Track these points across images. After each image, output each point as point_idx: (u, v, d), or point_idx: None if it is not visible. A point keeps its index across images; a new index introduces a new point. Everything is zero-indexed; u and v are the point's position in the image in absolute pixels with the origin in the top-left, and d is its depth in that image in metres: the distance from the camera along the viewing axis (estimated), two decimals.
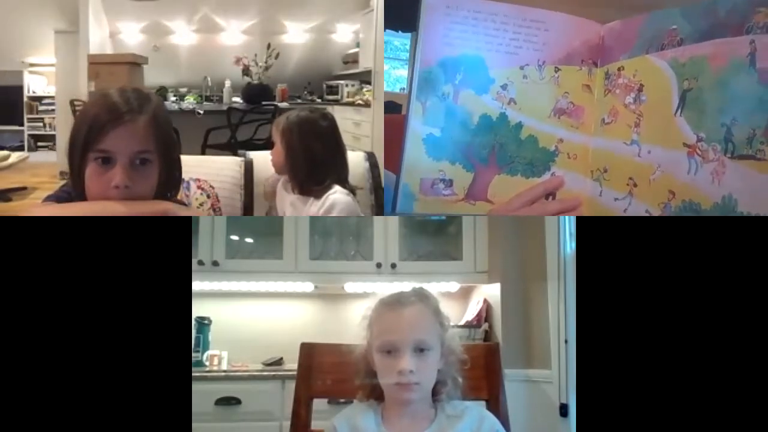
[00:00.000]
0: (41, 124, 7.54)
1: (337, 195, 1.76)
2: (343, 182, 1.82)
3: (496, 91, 1.25)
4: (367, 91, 5.40)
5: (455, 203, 1.26)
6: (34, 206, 1.22)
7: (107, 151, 1.09)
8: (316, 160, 1.80)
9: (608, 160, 1.23)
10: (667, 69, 1.15)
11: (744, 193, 1.02)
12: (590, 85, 1.27)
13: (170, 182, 1.19)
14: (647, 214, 1.15)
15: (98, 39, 5.93)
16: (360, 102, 5.42)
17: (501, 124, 1.25)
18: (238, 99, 5.97)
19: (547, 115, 1.26)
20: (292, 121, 1.84)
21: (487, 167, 1.25)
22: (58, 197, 1.21)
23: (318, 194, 1.78)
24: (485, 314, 2.78)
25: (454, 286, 2.85)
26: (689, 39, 1.13)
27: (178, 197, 1.28)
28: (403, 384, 0.98)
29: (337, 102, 5.91)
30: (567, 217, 2.24)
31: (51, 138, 7.09)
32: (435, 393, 1.04)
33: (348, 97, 5.92)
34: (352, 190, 1.84)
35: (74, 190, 1.16)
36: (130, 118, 1.10)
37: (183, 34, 6.50)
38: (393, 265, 2.75)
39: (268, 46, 6.21)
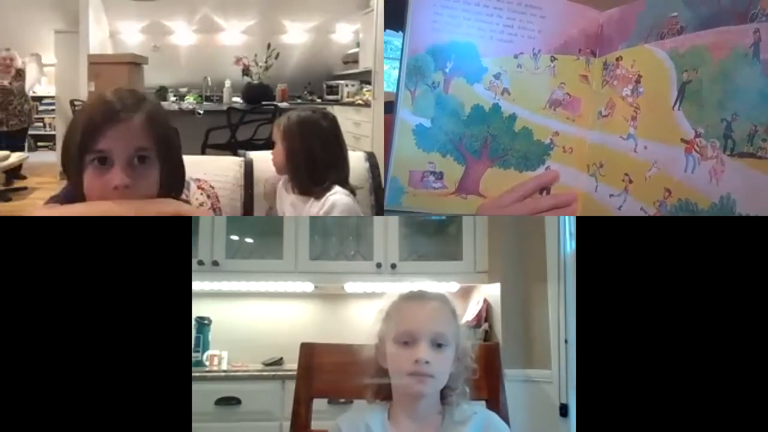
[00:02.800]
0: (41, 124, 7.53)
1: (337, 196, 1.75)
2: (344, 182, 1.82)
3: (489, 80, 1.19)
4: (367, 91, 5.40)
5: (446, 197, 1.21)
6: (37, 208, 1.21)
7: (103, 151, 1.07)
8: (316, 161, 1.79)
9: (604, 154, 1.19)
10: (666, 59, 1.08)
11: (743, 193, 0.97)
12: (587, 75, 1.22)
13: (174, 182, 1.17)
14: (642, 213, 1.11)
15: (98, 39, 5.94)
16: (360, 102, 5.42)
17: (494, 115, 1.20)
18: (238, 99, 5.97)
19: (542, 106, 1.21)
20: (293, 122, 1.83)
21: (479, 160, 1.20)
22: (62, 197, 1.19)
23: (318, 195, 1.77)
24: (485, 314, 2.77)
25: (454, 286, 2.85)
26: (690, 27, 1.06)
27: (182, 197, 1.26)
28: (419, 375, 0.97)
29: (337, 102, 5.91)
30: (567, 217, 2.24)
31: (51, 138, 7.09)
32: (443, 398, 1.03)
33: (348, 97, 5.92)
34: (353, 191, 1.84)
35: (74, 192, 1.14)
36: (125, 117, 1.08)
37: (183, 34, 6.51)
38: (393, 265, 2.75)
39: (268, 46, 6.21)
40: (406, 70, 1.19)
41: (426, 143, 1.20)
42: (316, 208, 1.77)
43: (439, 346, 0.99)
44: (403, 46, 1.20)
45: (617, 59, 1.18)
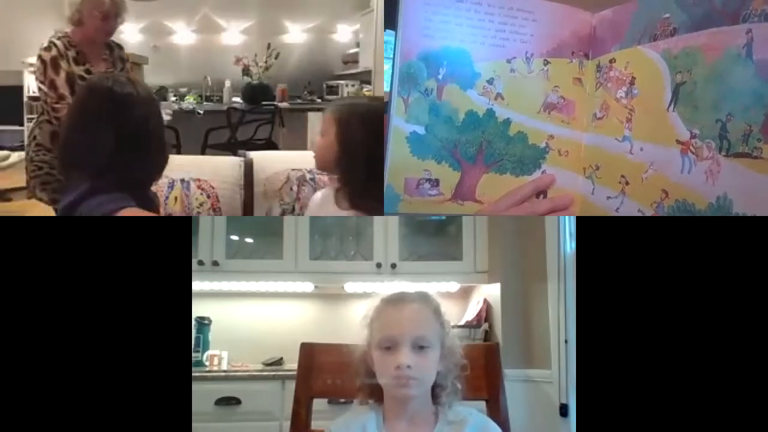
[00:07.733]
0: None
1: None
2: None
3: (483, 85, 1.19)
4: (367, 91, 5.40)
5: (442, 204, 1.21)
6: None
7: None
8: (373, 163, 1.36)
9: (600, 156, 1.19)
10: (660, 61, 1.09)
11: (740, 193, 0.97)
12: (581, 78, 1.22)
13: None
14: (639, 214, 1.11)
15: None
16: None
17: (488, 120, 1.20)
18: (238, 99, 5.96)
19: (537, 110, 1.21)
20: (354, 112, 1.52)
21: (474, 166, 1.20)
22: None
23: (373, 208, 1.42)
24: (485, 314, 2.77)
25: (454, 286, 2.85)
26: (683, 28, 1.07)
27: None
28: (401, 379, 0.98)
29: None
30: (567, 217, 2.24)
31: None
32: (435, 396, 1.04)
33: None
34: None
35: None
36: None
37: (183, 34, 6.51)
38: (393, 265, 2.75)
39: (268, 46, 6.20)
40: (399, 77, 1.18)
41: (420, 150, 1.19)
42: None
43: (422, 348, 0.99)
44: (394, 54, 1.19)
45: (610, 61, 1.18)
